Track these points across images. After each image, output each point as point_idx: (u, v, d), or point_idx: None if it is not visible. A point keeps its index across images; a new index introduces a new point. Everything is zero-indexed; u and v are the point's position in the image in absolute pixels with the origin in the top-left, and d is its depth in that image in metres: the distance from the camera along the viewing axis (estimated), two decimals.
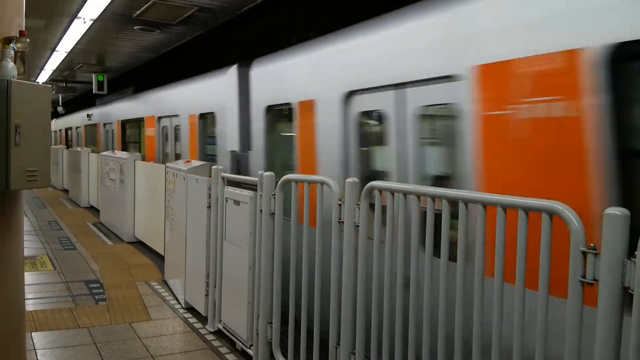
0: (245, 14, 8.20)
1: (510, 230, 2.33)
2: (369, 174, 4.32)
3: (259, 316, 4.21)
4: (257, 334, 4.23)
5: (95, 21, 9.22)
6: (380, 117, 4.17)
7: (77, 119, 19.64)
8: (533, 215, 2.24)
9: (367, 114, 4.36)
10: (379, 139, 4.21)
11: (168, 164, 6.72)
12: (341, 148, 4.43)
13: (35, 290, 6.18)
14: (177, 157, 8.73)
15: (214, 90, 7.25)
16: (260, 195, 4.13)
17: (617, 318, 1.94)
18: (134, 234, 9.35)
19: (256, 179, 4.22)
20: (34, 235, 9.53)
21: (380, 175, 4.17)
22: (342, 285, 3.37)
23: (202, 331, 5.07)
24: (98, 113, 15.96)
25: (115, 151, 11.77)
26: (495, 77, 3.06)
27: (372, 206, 3.23)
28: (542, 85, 2.80)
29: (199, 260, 5.30)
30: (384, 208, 3.09)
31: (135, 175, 9.28)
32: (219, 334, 4.97)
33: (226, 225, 4.79)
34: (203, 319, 5.29)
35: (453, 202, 2.64)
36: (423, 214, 2.83)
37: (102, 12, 8.62)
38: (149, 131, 10.39)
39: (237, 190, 4.59)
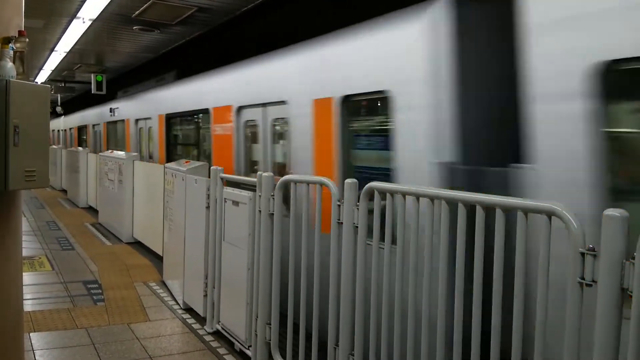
0: (244, 14, 8.20)
1: None
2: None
3: (257, 317, 4.20)
4: (256, 335, 4.22)
5: (94, 21, 9.22)
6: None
7: (94, 115, 16.03)
8: None
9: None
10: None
11: (167, 165, 6.70)
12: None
13: (33, 290, 6.17)
14: (282, 171, 5.63)
15: (387, 53, 4.01)
16: (259, 196, 4.13)
17: (616, 320, 1.94)
18: (132, 235, 9.34)
19: (255, 179, 4.22)
20: (33, 236, 9.51)
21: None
22: (341, 285, 3.37)
23: (201, 332, 5.07)
24: (125, 107, 12.28)
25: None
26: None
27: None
28: None
29: (198, 260, 5.30)
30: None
31: (133, 175, 9.27)
32: (217, 334, 4.97)
33: (225, 225, 4.79)
34: (201, 320, 5.29)
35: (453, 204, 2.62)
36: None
37: (101, 12, 8.62)
38: (220, 128, 6.99)
39: (236, 191, 4.59)
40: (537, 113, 2.83)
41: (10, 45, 3.16)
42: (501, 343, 2.40)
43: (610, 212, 1.94)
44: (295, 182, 3.92)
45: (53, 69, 15.06)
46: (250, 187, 4.37)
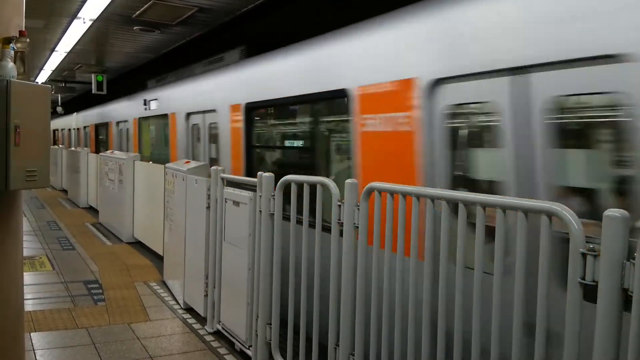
0: (245, 14, 8.22)
1: None
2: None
3: (258, 317, 4.20)
4: (256, 335, 4.22)
5: (95, 21, 9.23)
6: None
7: (120, 110, 12.96)
8: None
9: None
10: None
11: (167, 165, 6.70)
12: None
13: (34, 290, 6.17)
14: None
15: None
16: (260, 196, 4.13)
17: (617, 320, 1.94)
18: (133, 235, 9.35)
19: (255, 179, 4.22)
20: (33, 236, 9.51)
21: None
22: (341, 286, 3.37)
23: (201, 332, 5.07)
24: (166, 98, 9.59)
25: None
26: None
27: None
28: None
29: (198, 260, 5.30)
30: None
31: (134, 175, 9.27)
32: (217, 334, 4.97)
33: (225, 226, 4.79)
34: (202, 320, 5.29)
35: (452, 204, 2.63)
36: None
37: (102, 12, 8.63)
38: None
39: (237, 191, 4.59)
40: None
41: (11, 45, 3.16)
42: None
43: (611, 212, 1.94)
44: (296, 182, 3.92)
45: (53, 69, 15.08)
46: (251, 188, 4.37)
